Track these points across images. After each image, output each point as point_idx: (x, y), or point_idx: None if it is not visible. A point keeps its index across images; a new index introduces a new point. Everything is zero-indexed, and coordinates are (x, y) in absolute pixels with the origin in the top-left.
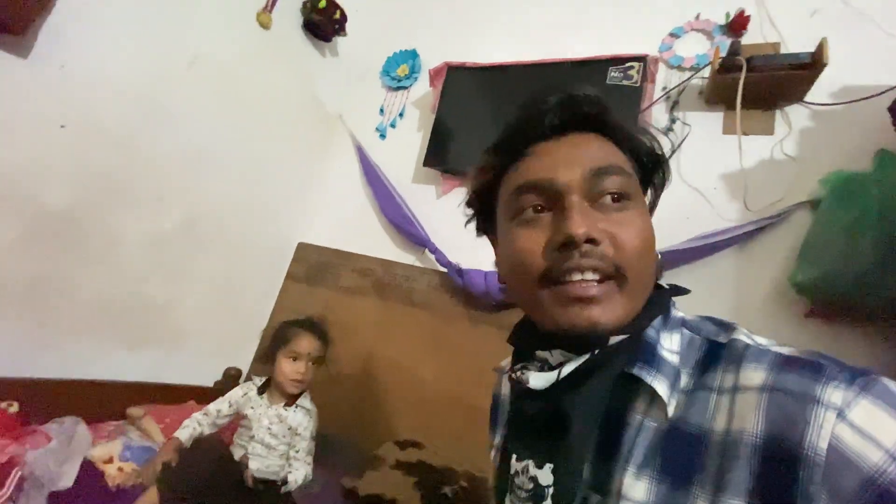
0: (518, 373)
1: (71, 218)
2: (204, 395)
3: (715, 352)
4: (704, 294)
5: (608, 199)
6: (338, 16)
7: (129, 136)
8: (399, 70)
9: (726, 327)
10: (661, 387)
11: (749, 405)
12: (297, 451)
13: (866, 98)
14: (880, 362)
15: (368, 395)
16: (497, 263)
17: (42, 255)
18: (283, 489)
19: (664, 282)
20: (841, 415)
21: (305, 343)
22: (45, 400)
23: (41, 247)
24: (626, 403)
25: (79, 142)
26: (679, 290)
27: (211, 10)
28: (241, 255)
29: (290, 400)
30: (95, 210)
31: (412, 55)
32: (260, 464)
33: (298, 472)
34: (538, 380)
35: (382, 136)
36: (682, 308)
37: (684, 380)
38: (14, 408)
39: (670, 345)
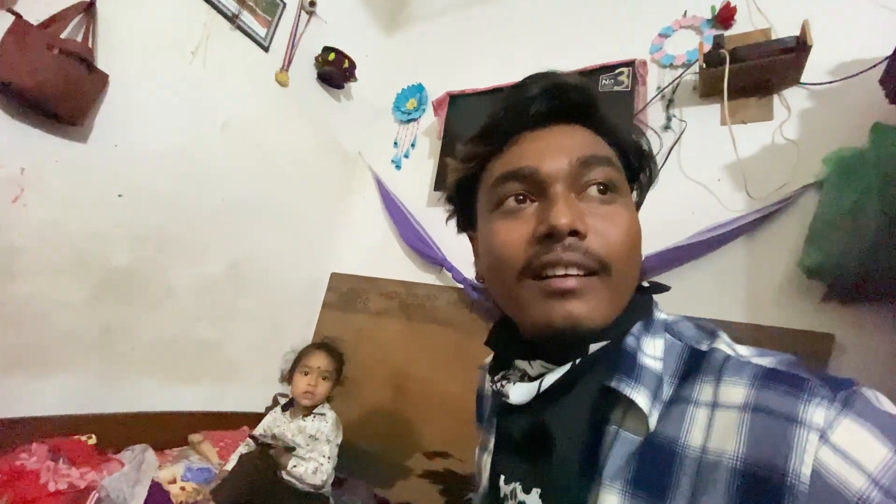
0: (499, 384)
1: (132, 273)
2: (256, 421)
3: (695, 360)
4: (717, 288)
5: (595, 190)
6: (346, 65)
7: (174, 196)
8: (408, 104)
9: (708, 333)
10: (640, 398)
11: (730, 424)
12: (311, 452)
13: (859, 73)
14: None
15: (399, 410)
16: (475, 262)
17: (109, 307)
18: (290, 467)
19: (646, 281)
20: (823, 437)
21: (315, 359)
22: (118, 431)
23: (109, 300)
24: (607, 416)
25: (134, 207)
26: (659, 287)
27: (235, 77)
28: (280, 291)
29: (307, 412)
30: (151, 264)
31: (419, 89)
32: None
33: (307, 465)
34: (518, 393)
35: (398, 167)
36: (695, 301)
37: (665, 389)
38: (92, 439)
39: (653, 351)
